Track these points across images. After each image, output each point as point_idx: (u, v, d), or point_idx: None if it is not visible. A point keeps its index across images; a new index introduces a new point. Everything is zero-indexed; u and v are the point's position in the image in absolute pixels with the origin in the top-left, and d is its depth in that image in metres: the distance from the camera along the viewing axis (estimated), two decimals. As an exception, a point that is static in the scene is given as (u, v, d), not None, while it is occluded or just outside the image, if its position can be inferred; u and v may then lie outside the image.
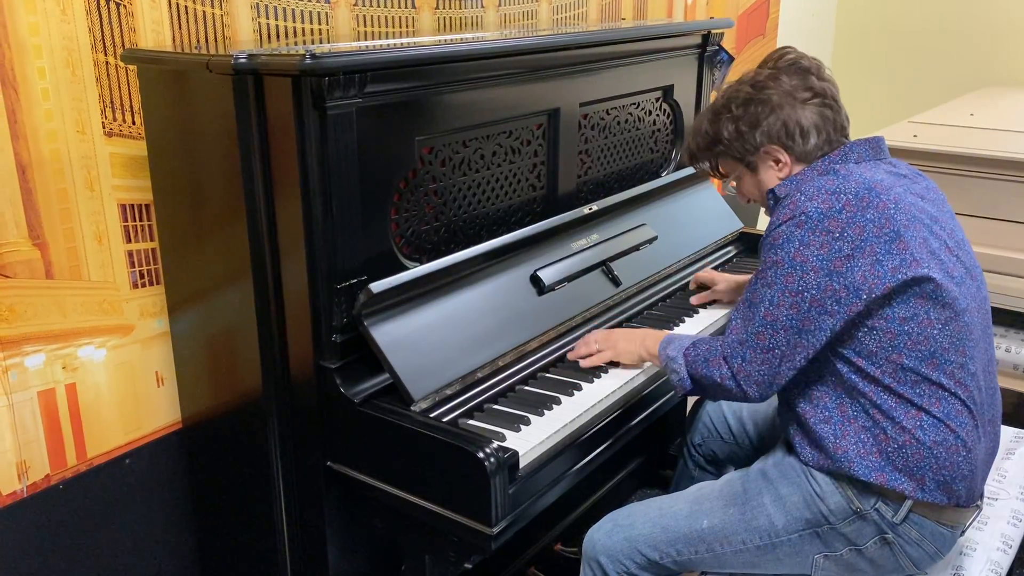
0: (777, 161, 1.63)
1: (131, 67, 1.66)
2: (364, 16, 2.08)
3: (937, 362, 1.48)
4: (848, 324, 1.49)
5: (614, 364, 1.79)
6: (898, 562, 1.58)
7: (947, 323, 1.48)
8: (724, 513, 1.65)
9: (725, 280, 2.13)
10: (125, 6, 1.65)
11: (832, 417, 1.55)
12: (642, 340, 1.75)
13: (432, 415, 1.55)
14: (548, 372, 1.79)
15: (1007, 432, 2.04)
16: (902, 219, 1.48)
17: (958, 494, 1.52)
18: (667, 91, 2.35)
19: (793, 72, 1.61)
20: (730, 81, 1.73)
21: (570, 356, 1.81)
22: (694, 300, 2.14)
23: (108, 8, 1.62)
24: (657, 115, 2.36)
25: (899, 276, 1.44)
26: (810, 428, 1.58)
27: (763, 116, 1.60)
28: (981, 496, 1.62)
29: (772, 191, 1.63)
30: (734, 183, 1.74)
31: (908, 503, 1.52)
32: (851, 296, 1.45)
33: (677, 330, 2.00)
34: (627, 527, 1.71)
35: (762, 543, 1.62)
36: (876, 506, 1.54)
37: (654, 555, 1.67)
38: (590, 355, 1.79)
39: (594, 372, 1.77)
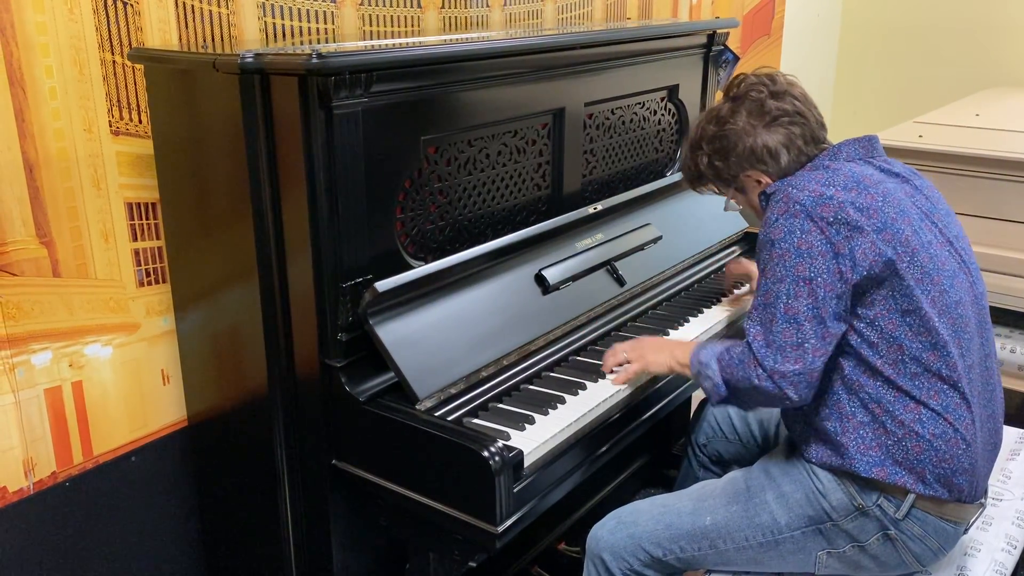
0: (759, 182, 1.67)
1: (138, 66, 1.67)
2: (370, 16, 2.08)
3: (938, 354, 1.50)
4: (852, 316, 1.50)
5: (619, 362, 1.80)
6: (901, 558, 1.58)
7: (941, 316, 1.49)
8: (727, 510, 1.65)
9: None
10: (132, 5, 1.65)
11: (832, 414, 1.55)
12: (671, 351, 1.72)
13: (437, 414, 1.56)
14: (553, 371, 1.80)
15: (1012, 433, 2.04)
16: (890, 211, 1.50)
17: (960, 488, 1.52)
18: (672, 91, 2.35)
19: (751, 100, 1.64)
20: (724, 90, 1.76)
21: (604, 367, 1.78)
22: (731, 298, 2.13)
23: (115, 7, 1.63)
24: (662, 115, 2.36)
25: (894, 258, 1.46)
26: (812, 425, 1.59)
27: (731, 148, 1.66)
28: (984, 493, 1.62)
29: (763, 192, 1.65)
30: (733, 200, 1.78)
31: (910, 498, 1.53)
32: (854, 273, 1.47)
33: (683, 329, 2.01)
34: (630, 524, 1.71)
35: (765, 540, 1.62)
36: (878, 502, 1.55)
37: (657, 552, 1.68)
38: (619, 365, 1.76)
39: (598, 371, 1.77)
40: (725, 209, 1.88)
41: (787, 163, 1.63)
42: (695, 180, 1.80)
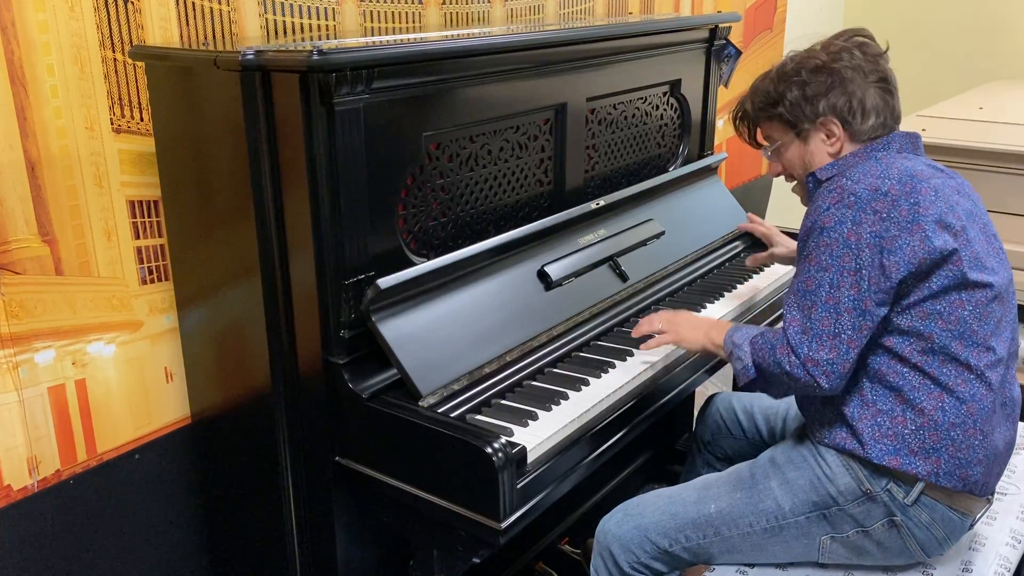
0: (830, 135, 1.64)
1: (139, 64, 1.67)
2: (371, 12, 2.08)
3: (965, 343, 1.50)
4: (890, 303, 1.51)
5: (622, 358, 1.80)
6: (905, 546, 1.59)
7: (977, 306, 1.50)
8: (731, 497, 1.66)
9: (784, 244, 2.15)
10: (133, 3, 1.65)
11: (852, 399, 1.56)
12: (707, 331, 1.71)
13: (440, 410, 1.56)
14: (556, 367, 1.79)
15: (1018, 428, 2.03)
16: (942, 206, 1.51)
17: (972, 479, 1.53)
18: (674, 85, 2.35)
19: (865, 50, 1.63)
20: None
21: (633, 333, 1.78)
22: (749, 261, 2.14)
23: (116, 5, 1.63)
24: (664, 109, 2.35)
25: (942, 251, 1.47)
26: (829, 407, 1.59)
27: (832, 87, 1.62)
28: (992, 492, 1.62)
29: (813, 174, 1.65)
30: (772, 152, 1.73)
31: (920, 485, 1.53)
32: (901, 270, 1.47)
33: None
34: (637, 516, 1.72)
35: (769, 525, 1.63)
36: (887, 487, 1.55)
37: (664, 543, 1.68)
38: (652, 333, 1.75)
39: (601, 367, 1.77)
40: (764, 154, 1.80)
41: (869, 127, 1.62)
42: (762, 110, 1.71)
